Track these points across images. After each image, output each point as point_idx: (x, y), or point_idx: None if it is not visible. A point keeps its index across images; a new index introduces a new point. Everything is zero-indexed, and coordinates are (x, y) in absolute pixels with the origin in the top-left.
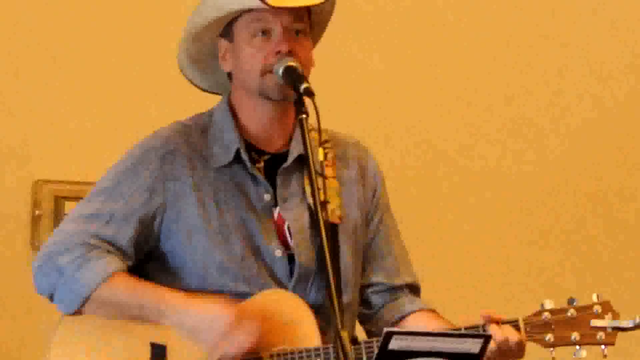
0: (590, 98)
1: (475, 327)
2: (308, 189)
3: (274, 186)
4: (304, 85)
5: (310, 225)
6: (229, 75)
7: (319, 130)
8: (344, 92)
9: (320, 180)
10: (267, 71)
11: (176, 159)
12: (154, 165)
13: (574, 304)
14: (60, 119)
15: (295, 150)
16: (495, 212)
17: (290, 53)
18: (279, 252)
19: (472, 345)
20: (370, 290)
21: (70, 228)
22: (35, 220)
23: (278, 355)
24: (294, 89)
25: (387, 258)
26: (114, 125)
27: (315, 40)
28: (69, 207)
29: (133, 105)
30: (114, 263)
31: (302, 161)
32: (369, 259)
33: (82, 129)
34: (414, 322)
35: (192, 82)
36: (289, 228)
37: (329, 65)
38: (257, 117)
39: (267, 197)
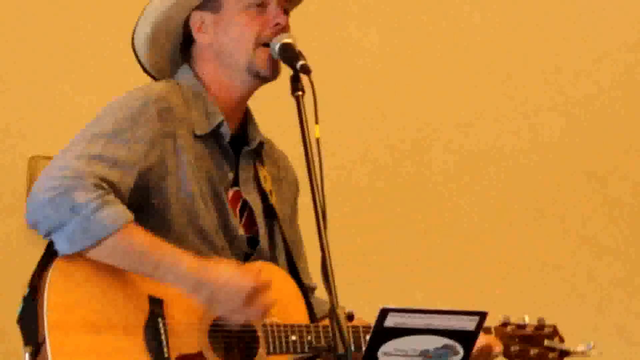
0: (587, 77)
1: None
2: (261, 177)
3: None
4: (301, 62)
5: (263, 213)
6: (188, 51)
7: (315, 107)
8: (341, 70)
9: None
10: (260, 43)
11: (170, 117)
12: (153, 119)
13: (509, 320)
14: (56, 95)
15: (257, 136)
16: (491, 191)
17: (286, 28)
18: (241, 231)
19: (469, 322)
20: None
21: (78, 166)
22: None
23: (271, 327)
24: (290, 66)
25: (302, 259)
26: (108, 100)
27: None
28: None
29: (127, 81)
30: (129, 212)
31: (261, 149)
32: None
33: (77, 105)
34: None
35: (138, 59)
36: (241, 210)
37: (325, 43)
38: (228, 94)
39: (230, 175)
